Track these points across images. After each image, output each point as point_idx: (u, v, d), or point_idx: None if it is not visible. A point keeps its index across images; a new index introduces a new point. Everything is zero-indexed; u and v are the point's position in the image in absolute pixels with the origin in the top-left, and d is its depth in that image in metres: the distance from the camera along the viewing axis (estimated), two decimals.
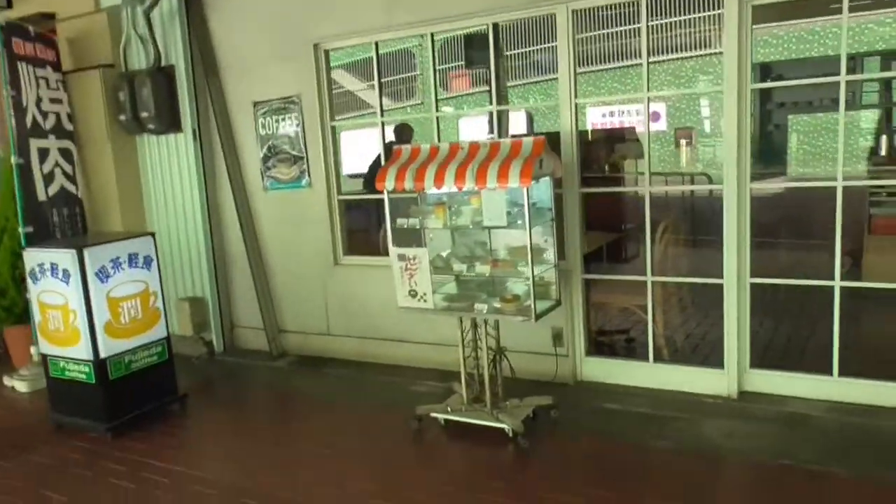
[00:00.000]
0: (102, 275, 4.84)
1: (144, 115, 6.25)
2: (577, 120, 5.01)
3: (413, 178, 4.42)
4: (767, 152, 15.54)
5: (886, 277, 4.81)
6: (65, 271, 4.78)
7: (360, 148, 7.35)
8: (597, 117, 15.44)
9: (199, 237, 6.55)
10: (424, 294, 4.56)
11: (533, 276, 4.19)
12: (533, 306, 4.22)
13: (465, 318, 4.60)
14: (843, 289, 4.41)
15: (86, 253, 4.76)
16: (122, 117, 6.37)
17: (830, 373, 4.50)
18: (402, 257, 4.59)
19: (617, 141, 8.65)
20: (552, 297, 4.58)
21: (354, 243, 6.27)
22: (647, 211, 4.90)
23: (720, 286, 4.69)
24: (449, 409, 4.69)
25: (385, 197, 4.65)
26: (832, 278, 4.43)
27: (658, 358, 5.02)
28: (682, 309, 5.56)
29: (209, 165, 6.53)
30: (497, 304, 4.43)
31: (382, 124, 6.12)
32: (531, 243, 4.22)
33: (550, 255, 4.56)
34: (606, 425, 4.59)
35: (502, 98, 8.42)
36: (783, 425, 4.33)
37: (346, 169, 6.15)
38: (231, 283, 6.76)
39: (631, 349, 5.41)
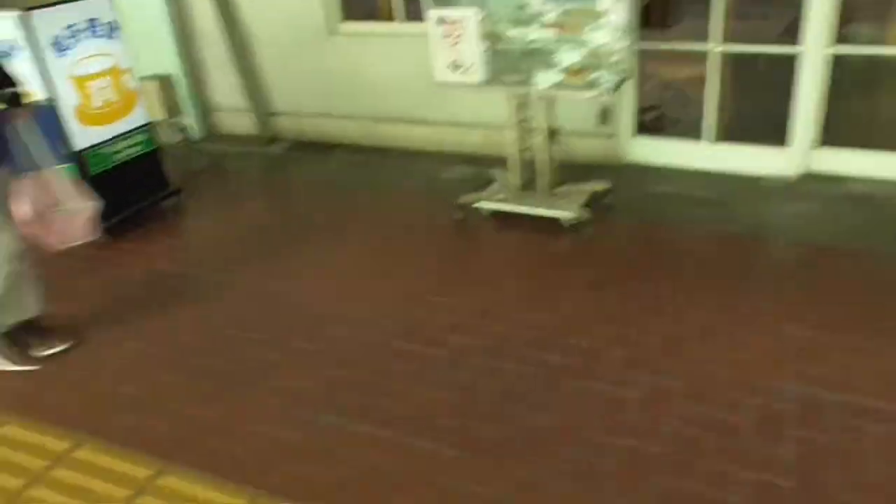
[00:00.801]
0: (59, 46, 3.86)
1: None
2: None
3: None
4: None
5: None
6: (6, 44, 3.78)
7: None
8: None
9: (155, 6, 5.40)
10: (471, 65, 3.82)
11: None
12: (614, 78, 3.56)
13: (516, 94, 3.92)
14: None
15: (34, 18, 3.74)
16: None
17: None
18: (441, 21, 3.76)
19: None
20: (619, 69, 3.90)
21: (354, 5, 5.27)
22: None
23: (789, 58, 4.10)
24: (498, 197, 4.18)
25: None
26: None
27: (715, 137, 4.52)
28: (743, 84, 4.95)
29: None
30: (558, 78, 3.74)
31: None
32: None
33: (619, 16, 3.80)
34: (663, 211, 4.16)
35: None
36: (850, 205, 4.00)
37: None
38: (200, 58, 5.74)
39: (684, 127, 4.87)
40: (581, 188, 4.18)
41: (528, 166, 4.15)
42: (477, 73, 3.82)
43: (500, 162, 4.66)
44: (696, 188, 4.36)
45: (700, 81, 4.52)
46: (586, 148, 4.64)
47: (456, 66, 3.86)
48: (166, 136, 5.64)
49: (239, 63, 5.47)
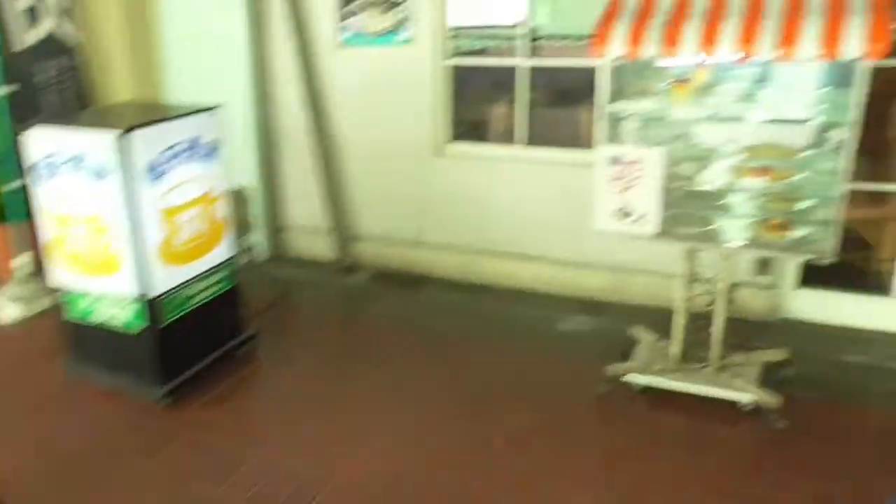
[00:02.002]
0: (154, 172, 3.19)
1: None
2: None
3: (660, 39, 2.87)
4: None
5: None
6: (98, 166, 3.11)
7: None
8: None
9: (244, 108, 4.81)
10: (644, 215, 3.15)
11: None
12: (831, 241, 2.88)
13: (697, 249, 3.25)
14: None
15: (135, 139, 3.08)
16: None
17: None
18: (616, 160, 3.12)
19: None
20: (821, 216, 3.22)
21: (466, 126, 4.69)
22: None
23: None
24: (656, 369, 3.43)
25: (605, 67, 3.10)
26: None
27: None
28: None
29: (258, 8, 4.70)
30: (752, 232, 3.07)
31: None
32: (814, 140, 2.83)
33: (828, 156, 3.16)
34: (862, 388, 3.42)
35: None
36: None
37: (458, 18, 4.41)
38: (281, 169, 5.12)
39: (860, 278, 4.17)
40: (753, 358, 3.44)
41: (691, 328, 3.43)
42: (651, 224, 3.15)
43: (629, 313, 4.00)
44: (891, 356, 3.62)
45: (879, 223, 3.89)
46: (740, 301, 3.93)
47: (625, 214, 3.19)
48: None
49: (324, 177, 4.83)
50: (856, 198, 4.11)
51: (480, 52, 4.77)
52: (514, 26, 4.30)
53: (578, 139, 4.46)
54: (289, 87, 4.74)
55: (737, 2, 2.85)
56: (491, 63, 4.61)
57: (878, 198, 3.91)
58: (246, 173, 4.94)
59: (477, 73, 4.74)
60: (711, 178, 3.14)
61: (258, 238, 5.15)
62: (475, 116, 5.42)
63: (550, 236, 4.42)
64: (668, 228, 3.18)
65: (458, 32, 4.44)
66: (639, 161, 3.08)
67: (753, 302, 3.95)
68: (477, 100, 4.92)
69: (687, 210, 3.26)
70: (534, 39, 4.34)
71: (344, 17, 4.47)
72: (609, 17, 3.02)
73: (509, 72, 4.33)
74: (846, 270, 4.34)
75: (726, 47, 2.74)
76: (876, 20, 2.56)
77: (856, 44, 2.56)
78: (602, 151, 3.14)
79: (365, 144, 4.76)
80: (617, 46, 2.94)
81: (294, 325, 4.43)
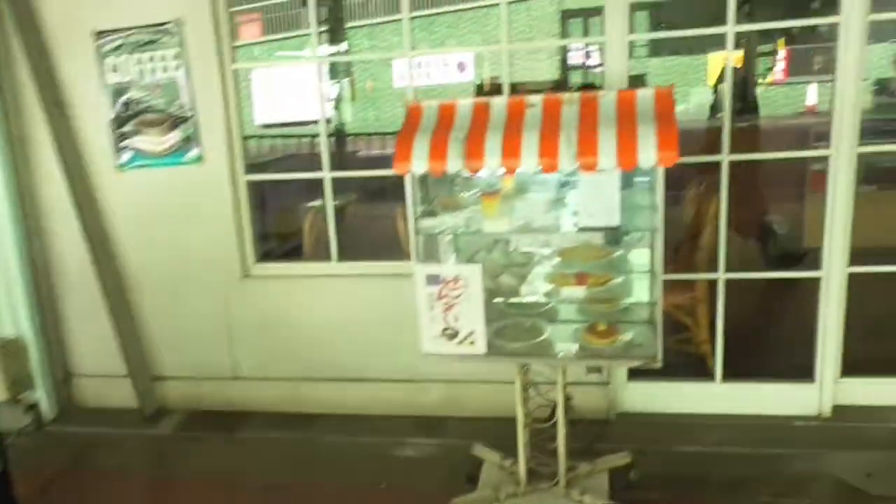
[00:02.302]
0: None
1: None
2: None
3: (462, 154, 2.74)
4: None
5: None
6: None
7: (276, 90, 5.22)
8: None
9: (5, 246, 4.12)
10: (471, 334, 2.95)
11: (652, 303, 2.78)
12: (658, 343, 2.82)
13: (529, 364, 3.08)
14: None
15: None
16: None
17: None
18: (434, 279, 2.91)
19: None
20: (644, 317, 3.21)
21: (276, 241, 4.33)
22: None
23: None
24: (506, 493, 3.17)
25: (407, 185, 2.91)
26: None
27: (721, 375, 3.90)
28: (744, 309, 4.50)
29: (17, 133, 4.10)
30: (581, 342, 2.96)
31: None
32: (652, 256, 2.82)
33: (640, 255, 3.17)
34: (707, 482, 3.39)
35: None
36: None
37: (261, 116, 4.10)
38: (63, 310, 4.43)
39: (683, 367, 4.23)
40: (599, 465, 3.30)
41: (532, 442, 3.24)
42: (479, 343, 2.95)
43: (470, 428, 3.81)
44: (723, 440, 3.64)
45: (692, 307, 4.00)
46: (578, 402, 3.83)
47: (451, 335, 2.97)
48: (7, 421, 4.13)
49: (115, 315, 4.22)
50: (670, 284, 4.25)
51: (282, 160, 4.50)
52: (316, 123, 4.06)
53: (398, 247, 4.28)
54: (65, 218, 4.14)
55: (533, 114, 2.81)
56: (292, 177, 4.33)
57: (689, 282, 4.05)
58: (16, 320, 4.21)
59: (281, 184, 4.45)
60: (533, 289, 3.02)
61: (41, 394, 4.37)
62: (284, 229, 5.11)
63: (377, 354, 4.12)
64: (497, 345, 3.00)
65: (259, 133, 4.14)
66: (458, 278, 2.89)
67: (589, 401, 3.86)
68: (284, 212, 4.62)
69: (514, 323, 3.11)
70: (340, 136, 4.14)
71: (120, 139, 4.00)
72: (408, 131, 2.86)
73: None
74: (669, 358, 4.47)
75: (528, 160, 2.67)
76: (663, 129, 2.60)
77: (649, 153, 2.57)
78: (418, 270, 2.92)
79: (160, 275, 4.23)
80: (419, 163, 2.77)
81: (85, 502, 3.71)
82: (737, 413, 3.82)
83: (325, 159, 4.05)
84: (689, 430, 3.75)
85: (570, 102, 2.80)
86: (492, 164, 2.70)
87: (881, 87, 12.22)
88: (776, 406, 3.81)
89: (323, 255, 4.25)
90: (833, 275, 3.60)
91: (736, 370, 3.85)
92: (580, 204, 2.79)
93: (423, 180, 3.00)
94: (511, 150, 2.69)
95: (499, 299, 3.07)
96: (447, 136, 2.79)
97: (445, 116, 2.90)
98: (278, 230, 5.18)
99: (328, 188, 4.04)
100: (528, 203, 2.99)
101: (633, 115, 2.70)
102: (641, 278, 3.04)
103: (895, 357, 3.89)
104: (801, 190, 6.19)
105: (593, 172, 2.66)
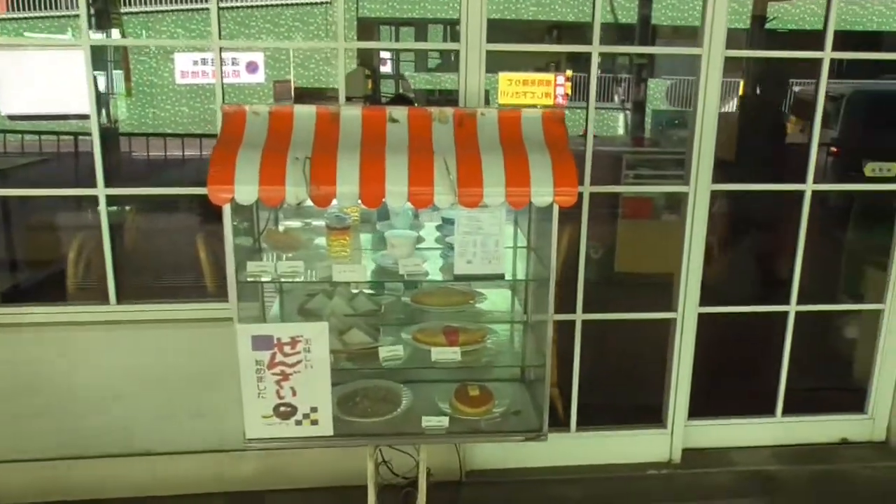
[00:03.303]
0: None
1: None
2: None
3: (306, 180, 2.06)
4: None
5: None
6: None
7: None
8: None
9: None
10: (313, 411, 2.27)
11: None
12: (544, 413, 2.34)
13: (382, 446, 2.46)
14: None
15: None
16: None
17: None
18: (263, 342, 2.19)
19: None
20: (517, 376, 2.73)
21: (25, 274, 3.25)
22: None
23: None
24: None
25: (226, 217, 2.15)
26: None
27: (575, 424, 3.57)
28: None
29: None
30: (450, 410, 2.41)
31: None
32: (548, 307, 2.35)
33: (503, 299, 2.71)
34: None
35: None
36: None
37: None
38: None
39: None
40: None
41: None
42: (325, 422, 2.28)
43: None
44: (590, 498, 3.30)
45: None
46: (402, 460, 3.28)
47: (287, 413, 2.27)
48: None
49: None
50: None
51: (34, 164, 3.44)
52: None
53: (203, 284, 3.44)
54: None
55: (396, 131, 2.22)
56: (50, 194, 3.31)
57: None
58: None
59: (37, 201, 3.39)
60: (393, 347, 2.42)
61: None
62: (40, 256, 4.00)
63: (175, 420, 3.25)
64: (346, 422, 2.36)
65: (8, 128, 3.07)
66: (297, 339, 2.21)
67: (439, 459, 3.32)
68: (40, 232, 3.55)
69: (364, 389, 2.49)
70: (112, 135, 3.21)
71: None
72: (228, 146, 2.13)
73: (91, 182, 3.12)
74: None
75: (395, 191, 2.07)
76: (559, 160, 2.14)
77: (544, 189, 2.10)
78: (241, 332, 2.19)
79: None
80: (245, 189, 2.05)
81: None
82: (592, 464, 3.52)
83: (99, 171, 3.11)
84: (541, 488, 3.36)
85: (441, 120, 2.25)
86: (347, 195, 2.07)
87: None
88: (630, 454, 3.57)
89: (97, 294, 3.30)
90: (687, 315, 3.42)
91: (587, 417, 3.54)
92: (457, 246, 2.24)
93: (247, 221, 2.28)
94: (372, 176, 2.07)
95: (350, 364, 2.42)
96: (284, 154, 2.10)
97: (279, 128, 2.21)
98: (31, 257, 4.04)
99: (103, 210, 3.11)
100: (392, 244, 2.39)
101: (520, 141, 2.21)
102: (513, 330, 2.58)
103: (733, 396, 3.86)
104: (613, 214, 6.28)
105: (474, 209, 2.14)
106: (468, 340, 2.40)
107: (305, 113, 2.23)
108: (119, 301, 3.22)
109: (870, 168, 3.68)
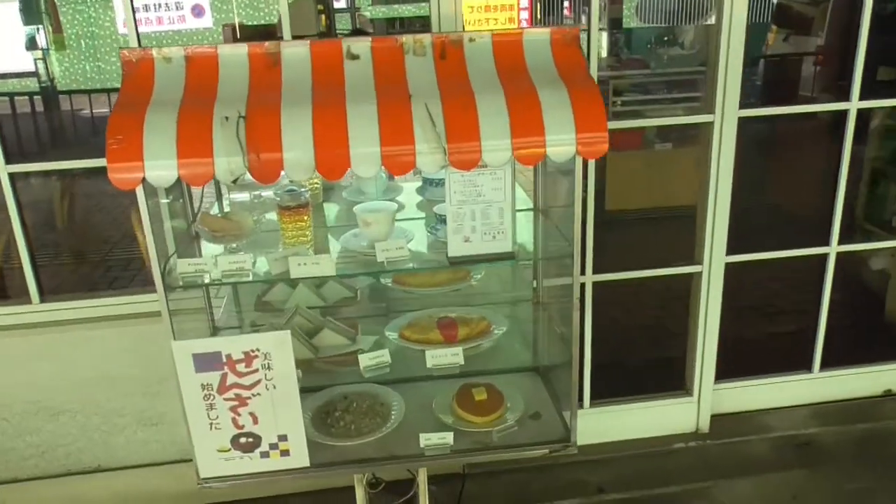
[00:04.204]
0: None
1: None
2: None
3: (241, 147, 1.51)
4: None
5: None
6: None
7: None
8: None
9: None
10: (283, 439, 1.78)
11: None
12: (573, 422, 1.87)
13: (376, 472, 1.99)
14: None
15: None
16: None
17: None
18: (208, 361, 1.68)
19: None
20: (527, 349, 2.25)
21: None
22: None
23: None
24: None
25: (142, 208, 1.60)
26: None
27: (586, 399, 3.13)
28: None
29: None
30: (452, 420, 1.94)
31: None
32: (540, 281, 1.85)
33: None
34: None
35: None
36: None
37: None
38: None
39: None
40: None
41: None
42: (297, 451, 1.79)
43: None
44: (605, 482, 2.89)
45: None
46: None
47: (249, 445, 1.78)
48: None
49: None
50: None
51: None
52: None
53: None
54: None
55: (357, 72, 1.66)
56: None
57: None
58: None
59: None
60: (376, 354, 1.92)
61: None
62: None
63: (125, 430, 2.78)
64: (324, 446, 1.88)
65: None
66: (253, 354, 1.70)
67: None
68: None
69: (343, 402, 2.00)
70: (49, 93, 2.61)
71: None
72: (130, 106, 1.56)
73: None
74: None
75: (363, 155, 1.53)
76: (581, 95, 1.61)
77: (564, 137, 1.57)
78: (179, 350, 1.67)
79: None
80: (159, 165, 1.50)
81: None
82: (610, 441, 3.10)
83: None
84: (556, 474, 2.93)
85: (417, 51, 1.69)
86: (298, 165, 1.52)
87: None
88: (653, 427, 3.15)
89: (17, 290, 2.76)
90: (714, 267, 2.95)
91: (599, 390, 3.10)
92: (451, 220, 1.71)
93: (175, 203, 1.74)
94: (331, 136, 1.53)
95: (322, 371, 1.92)
96: (209, 114, 1.54)
97: (200, 78, 1.64)
98: None
99: (8, 192, 2.53)
100: (367, 223, 1.85)
101: (524, 73, 1.67)
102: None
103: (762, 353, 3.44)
104: None
105: (470, 171, 1.61)
106: (470, 334, 1.91)
107: (234, 55, 1.65)
108: (43, 299, 2.69)
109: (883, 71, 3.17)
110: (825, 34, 7.23)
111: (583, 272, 2.83)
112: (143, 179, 1.51)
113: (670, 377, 3.20)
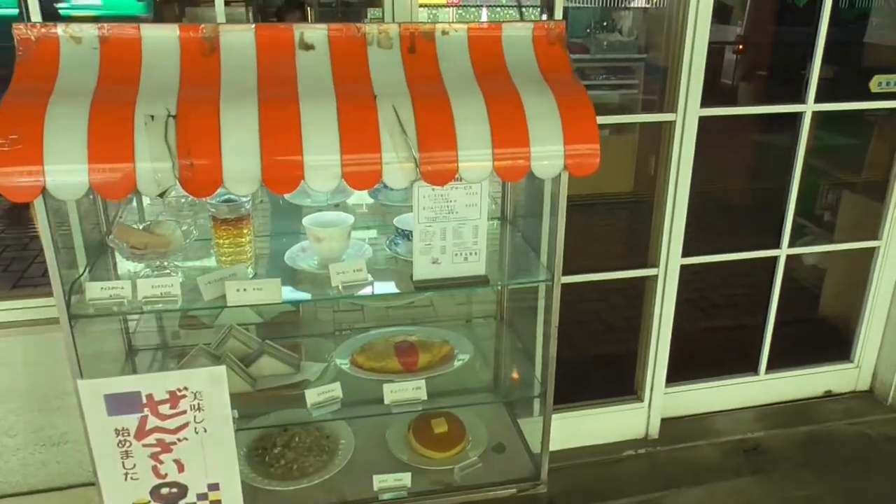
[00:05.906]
0: None
1: None
2: None
3: (170, 152, 1.24)
4: None
5: None
6: None
7: None
8: None
9: None
10: (213, 488, 1.53)
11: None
12: (543, 458, 1.70)
13: None
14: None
15: None
16: None
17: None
18: (124, 404, 1.41)
19: None
20: (488, 372, 2.06)
21: None
22: None
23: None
24: None
25: (41, 220, 1.30)
26: None
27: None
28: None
29: None
30: (408, 455, 1.73)
31: None
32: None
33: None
34: None
35: None
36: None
37: None
38: None
39: None
40: None
41: None
42: (236, 500, 1.55)
43: None
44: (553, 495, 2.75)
45: None
46: None
47: (173, 496, 1.52)
48: None
49: None
50: None
51: None
52: None
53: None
54: None
55: (311, 63, 1.40)
56: None
57: None
58: None
59: None
60: (325, 388, 1.68)
61: None
62: None
63: (20, 451, 2.44)
64: (266, 490, 1.64)
65: None
66: (180, 393, 1.44)
67: None
68: None
69: (283, 436, 1.76)
70: None
71: None
72: (27, 103, 1.25)
73: None
74: None
75: (318, 168, 1.29)
76: (570, 103, 1.41)
77: (552, 149, 1.37)
78: (85, 390, 1.39)
79: None
80: (62, 171, 1.21)
81: None
82: (557, 450, 2.97)
83: None
84: None
85: (382, 43, 1.45)
86: (240, 176, 1.26)
87: None
88: (602, 434, 3.04)
89: None
90: (670, 270, 2.84)
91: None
92: (417, 239, 1.48)
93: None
94: (280, 142, 1.28)
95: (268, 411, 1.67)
96: (130, 110, 1.26)
97: (119, 64, 1.34)
98: None
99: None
100: (319, 238, 1.60)
101: (504, 73, 1.45)
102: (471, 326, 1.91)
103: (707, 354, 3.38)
104: None
105: (444, 186, 1.39)
106: (431, 361, 1.70)
107: (162, 38, 1.37)
108: None
109: (876, 82, 3.11)
110: (744, 24, 7.29)
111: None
112: (44, 189, 1.22)
113: (617, 381, 3.09)
